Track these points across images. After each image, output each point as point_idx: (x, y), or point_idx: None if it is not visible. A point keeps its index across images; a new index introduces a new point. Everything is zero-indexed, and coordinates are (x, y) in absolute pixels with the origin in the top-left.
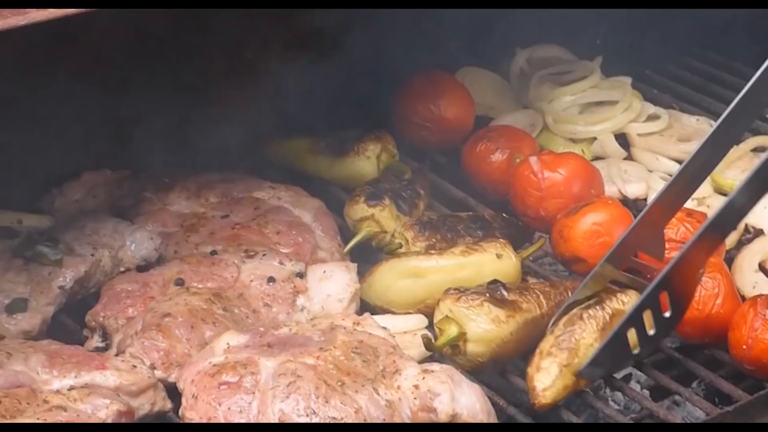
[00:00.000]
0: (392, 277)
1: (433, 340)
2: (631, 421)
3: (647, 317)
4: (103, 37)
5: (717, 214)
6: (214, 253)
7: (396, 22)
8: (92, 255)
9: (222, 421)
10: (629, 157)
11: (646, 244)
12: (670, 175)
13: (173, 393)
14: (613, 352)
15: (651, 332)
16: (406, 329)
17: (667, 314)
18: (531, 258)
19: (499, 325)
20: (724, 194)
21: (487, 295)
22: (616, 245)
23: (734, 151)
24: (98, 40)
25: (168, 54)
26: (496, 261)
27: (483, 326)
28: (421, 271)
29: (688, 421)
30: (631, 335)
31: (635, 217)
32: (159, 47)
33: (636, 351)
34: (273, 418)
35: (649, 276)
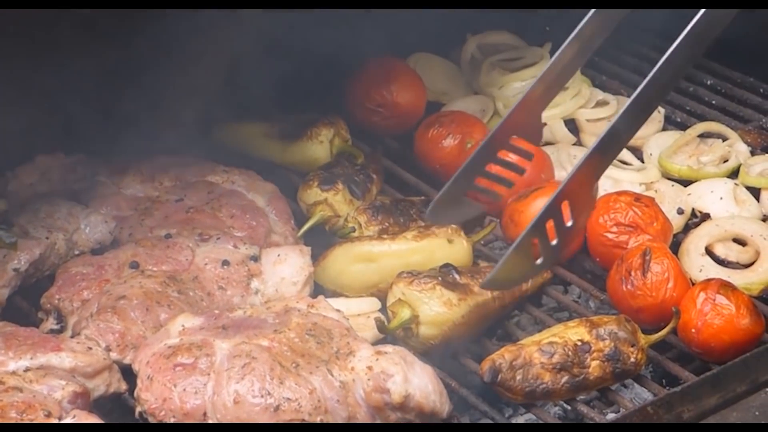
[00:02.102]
0: (345, 262)
1: (386, 323)
2: (582, 404)
3: (550, 227)
4: (52, 23)
5: (601, 139)
6: (168, 236)
7: (349, 8)
8: (47, 238)
9: (177, 401)
10: (578, 143)
11: (522, 129)
12: (620, 161)
13: (128, 374)
14: (516, 263)
15: (554, 242)
16: (359, 312)
17: (569, 224)
18: (482, 242)
19: (451, 308)
20: (671, 179)
21: (439, 278)
22: (494, 130)
23: (682, 137)
24: (48, 27)
25: (120, 38)
26: (447, 246)
27: (435, 309)
28: (373, 255)
29: (636, 403)
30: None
31: None
32: (109, 32)
33: (539, 261)
34: (228, 399)
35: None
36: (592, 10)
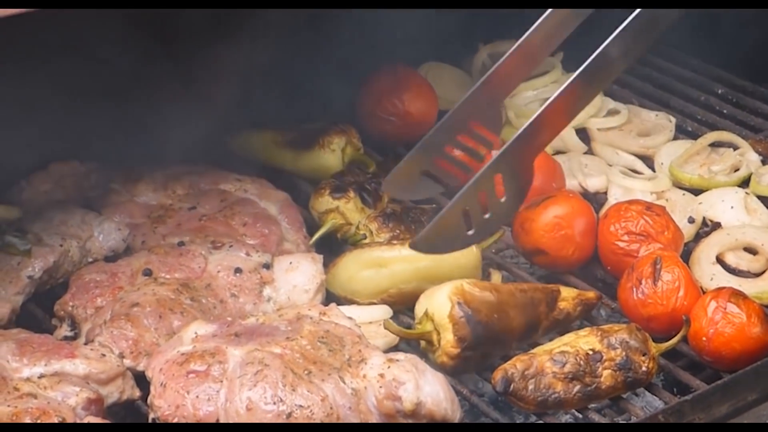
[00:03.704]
0: (356, 268)
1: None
2: (594, 412)
3: (482, 199)
4: (71, 31)
5: (539, 113)
6: (181, 244)
7: (361, 17)
8: (61, 245)
9: (190, 408)
10: (589, 152)
11: (483, 116)
12: (631, 170)
13: (142, 381)
14: (446, 229)
15: (486, 216)
16: (371, 319)
17: (503, 199)
18: (493, 249)
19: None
20: (682, 188)
21: None
22: (452, 110)
23: (693, 146)
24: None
25: (133, 46)
26: (457, 252)
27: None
28: (383, 261)
29: (648, 411)
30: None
31: (596, 212)
32: (123, 39)
33: (470, 232)
34: (240, 406)
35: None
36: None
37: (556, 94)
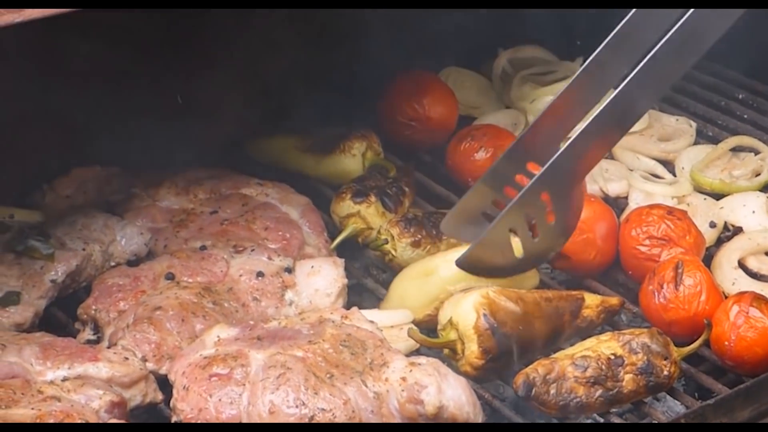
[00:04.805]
0: (404, 284)
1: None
2: (616, 417)
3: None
4: (93, 36)
5: (583, 130)
6: (203, 248)
7: (381, 22)
8: (83, 249)
9: (213, 412)
10: (610, 156)
11: (540, 155)
12: (652, 174)
13: (164, 385)
14: (492, 250)
15: (535, 240)
16: (392, 323)
17: (553, 223)
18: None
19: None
20: (704, 193)
21: None
22: (508, 150)
23: (714, 151)
24: (89, 39)
25: (155, 52)
26: None
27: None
28: (429, 269)
29: (669, 415)
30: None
31: (617, 217)
32: (145, 46)
33: (520, 256)
34: (263, 409)
35: None
36: (633, 11)
37: (602, 106)
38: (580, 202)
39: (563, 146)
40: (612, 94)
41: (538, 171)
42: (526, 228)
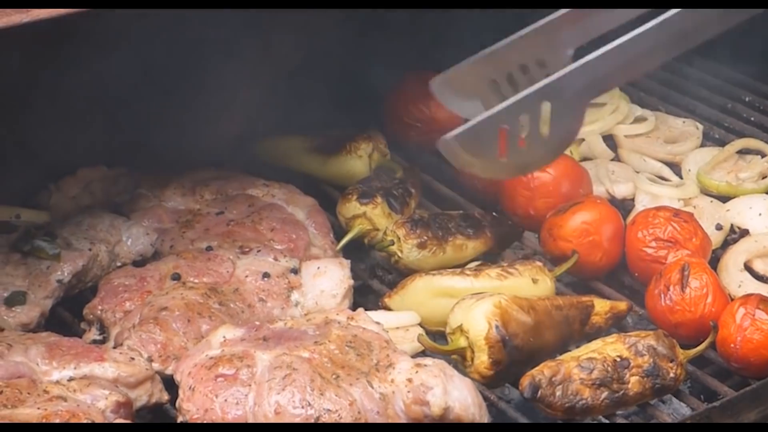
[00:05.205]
0: (426, 295)
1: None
2: (621, 418)
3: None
4: (92, 36)
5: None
6: (209, 248)
7: (388, 23)
8: (89, 250)
9: (218, 412)
10: (617, 158)
11: (549, 53)
12: (658, 177)
13: (170, 385)
14: (477, 141)
15: (522, 149)
16: (398, 325)
17: (546, 136)
18: (521, 255)
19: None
20: (710, 195)
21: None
22: (530, 30)
23: (720, 153)
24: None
25: (161, 51)
26: (532, 285)
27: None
28: (455, 291)
29: (675, 417)
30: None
31: (624, 219)
32: (150, 45)
33: (503, 159)
34: (269, 410)
35: None
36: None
37: (631, 35)
38: (579, 124)
39: (580, 61)
40: (643, 27)
41: (546, 71)
42: (516, 132)
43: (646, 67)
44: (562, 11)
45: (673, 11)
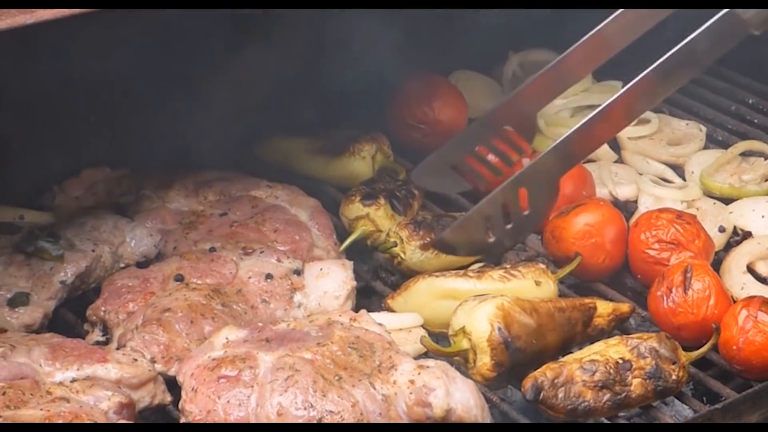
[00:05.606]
0: (429, 296)
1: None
2: (623, 420)
3: (505, 209)
4: (100, 38)
5: (570, 134)
6: (212, 250)
7: (391, 25)
8: (93, 251)
9: (221, 413)
10: (620, 160)
11: (517, 123)
12: (662, 179)
13: (173, 386)
14: (468, 232)
15: (508, 226)
16: (401, 326)
17: (526, 213)
18: (524, 257)
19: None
20: (713, 197)
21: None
22: (488, 112)
23: (723, 155)
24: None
25: (165, 54)
26: (534, 288)
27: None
28: (458, 293)
29: (677, 419)
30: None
31: (627, 221)
32: (155, 47)
33: (491, 239)
34: (271, 411)
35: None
36: (618, 11)
37: (594, 113)
38: (555, 197)
39: (549, 147)
40: (607, 101)
41: (512, 136)
42: (500, 217)
43: (612, 135)
44: (527, 82)
45: (635, 80)
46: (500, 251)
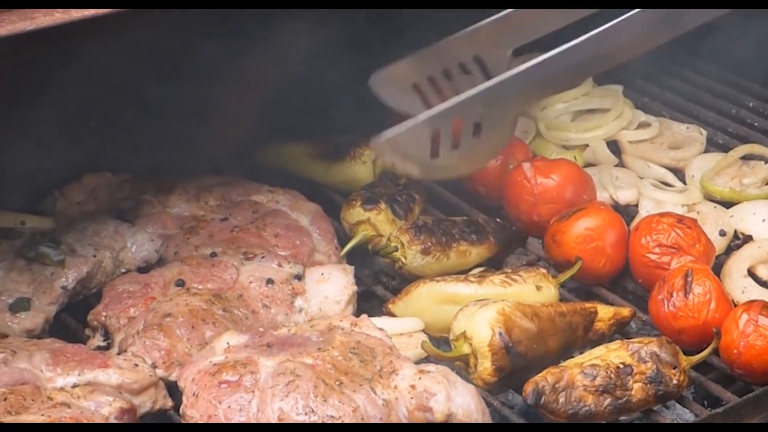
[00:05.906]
0: (429, 302)
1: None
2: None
3: (457, 128)
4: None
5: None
6: (213, 255)
7: (391, 29)
8: (94, 256)
9: (222, 419)
10: (620, 164)
11: (490, 52)
12: (662, 182)
13: (174, 391)
14: (411, 142)
15: (455, 151)
16: (402, 331)
17: (477, 141)
18: (524, 262)
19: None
20: (714, 201)
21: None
22: (462, 32)
23: (724, 159)
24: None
25: (167, 59)
26: (535, 293)
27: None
28: (459, 298)
29: (678, 423)
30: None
31: (627, 225)
32: (151, 52)
33: (434, 160)
34: (272, 416)
35: None
36: None
37: (567, 45)
38: (511, 131)
39: (514, 70)
40: (578, 39)
41: (482, 64)
42: (449, 135)
43: (579, 79)
44: (504, 12)
45: (612, 22)
46: (438, 176)
